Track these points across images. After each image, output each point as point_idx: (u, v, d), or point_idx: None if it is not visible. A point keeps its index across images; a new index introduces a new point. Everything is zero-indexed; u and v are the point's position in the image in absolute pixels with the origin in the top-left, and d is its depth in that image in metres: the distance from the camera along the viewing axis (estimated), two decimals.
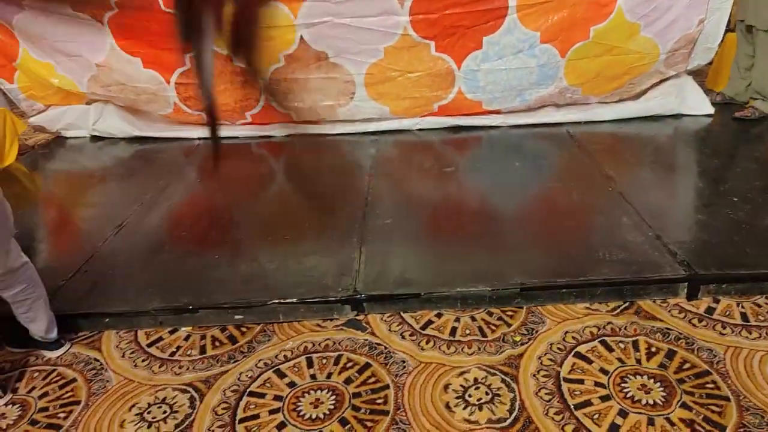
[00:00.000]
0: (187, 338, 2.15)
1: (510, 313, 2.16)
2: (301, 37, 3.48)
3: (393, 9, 3.39)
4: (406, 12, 3.41)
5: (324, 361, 1.99)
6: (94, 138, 4.03)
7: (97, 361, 2.07)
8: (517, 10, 3.41)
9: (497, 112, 3.77)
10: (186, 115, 3.86)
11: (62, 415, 1.84)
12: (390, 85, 3.65)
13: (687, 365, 1.86)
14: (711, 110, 3.77)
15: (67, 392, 1.94)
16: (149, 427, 1.77)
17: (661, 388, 1.78)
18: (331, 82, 3.65)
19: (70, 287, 2.34)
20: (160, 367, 2.02)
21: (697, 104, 3.79)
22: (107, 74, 3.66)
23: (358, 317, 2.19)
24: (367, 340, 2.07)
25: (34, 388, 1.97)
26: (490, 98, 3.70)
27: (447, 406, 1.77)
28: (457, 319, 2.14)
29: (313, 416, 1.77)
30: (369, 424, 1.73)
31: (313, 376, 1.92)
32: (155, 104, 3.81)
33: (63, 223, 3.08)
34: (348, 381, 1.89)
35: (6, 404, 1.90)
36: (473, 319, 2.14)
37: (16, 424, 1.82)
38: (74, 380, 1.99)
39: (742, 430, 1.62)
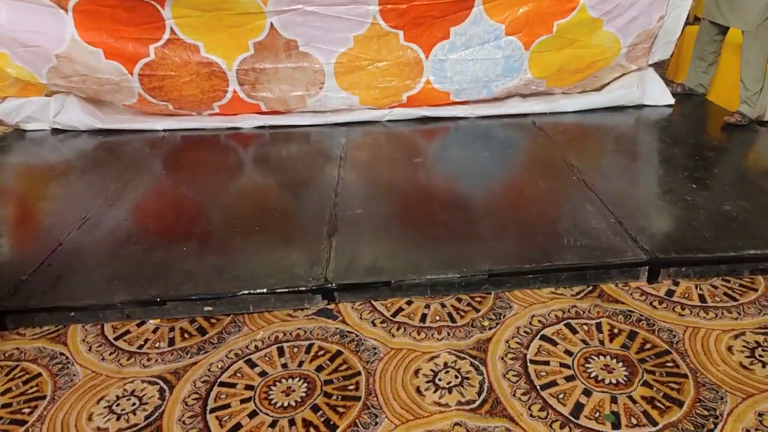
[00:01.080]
0: (155, 331, 2.13)
1: (479, 299, 2.20)
2: (271, 24, 3.46)
3: (364, 0, 3.40)
4: (376, 2, 3.42)
5: (295, 350, 2.00)
6: (56, 131, 3.92)
7: (63, 355, 2.03)
8: (483, 2, 3.46)
9: (464, 103, 3.81)
10: (151, 106, 3.79)
11: (27, 410, 1.81)
12: (359, 74, 3.66)
13: (648, 345, 1.93)
14: (671, 101, 3.89)
15: (31, 387, 1.90)
16: (118, 419, 1.75)
17: (624, 368, 1.84)
18: (300, 72, 3.64)
19: (34, 281, 2.28)
20: (128, 359, 1.99)
21: (658, 95, 3.90)
22: (68, 65, 3.56)
23: (329, 306, 2.20)
24: (338, 328, 2.09)
25: None
26: (458, 89, 3.75)
27: (417, 390, 1.80)
28: (427, 306, 2.17)
29: (285, 404, 1.78)
30: (341, 410, 1.74)
31: (284, 365, 1.93)
32: (119, 95, 3.73)
33: (24, 216, 3.00)
34: (319, 369, 1.91)
35: None
36: (443, 305, 2.17)
37: None
38: (39, 375, 1.95)
39: (698, 404, 1.70)
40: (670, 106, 3.87)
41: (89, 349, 2.05)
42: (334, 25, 3.49)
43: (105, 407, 1.80)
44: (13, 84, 3.72)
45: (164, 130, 3.82)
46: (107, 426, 1.73)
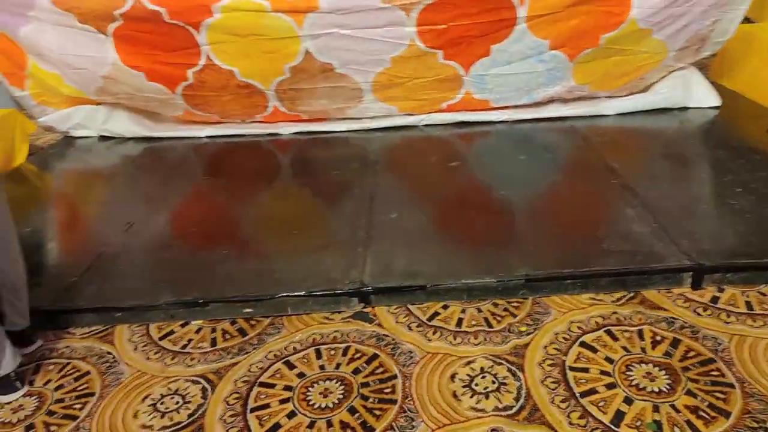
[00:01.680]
0: (198, 331, 2.19)
1: (515, 304, 2.18)
2: (306, 50, 3.44)
3: (399, 20, 3.34)
4: (413, 23, 3.35)
5: (332, 352, 2.02)
6: (103, 138, 4.07)
7: (110, 354, 2.11)
8: (526, 20, 3.36)
9: (503, 108, 3.78)
10: (197, 116, 3.89)
11: (78, 406, 1.89)
12: (398, 89, 3.65)
13: (692, 353, 1.88)
14: (717, 102, 3.76)
15: (82, 384, 1.98)
16: (162, 417, 1.81)
17: (666, 376, 1.80)
18: (338, 90, 3.66)
19: (83, 283, 2.38)
20: (172, 359, 2.06)
21: (704, 96, 3.77)
22: (114, 85, 3.70)
23: (365, 309, 2.22)
24: (374, 331, 2.10)
25: (50, 380, 2.01)
26: (498, 98, 3.71)
27: (454, 394, 1.80)
28: (463, 311, 2.17)
29: (323, 405, 1.80)
30: (377, 412, 1.76)
31: (321, 367, 1.96)
32: (166, 108, 3.86)
33: (73, 221, 3.12)
34: (356, 371, 1.93)
35: (23, 396, 1.94)
36: (479, 310, 2.16)
37: (34, 414, 1.87)
38: (88, 373, 2.03)
39: (746, 415, 1.64)
40: (715, 107, 3.76)
41: (135, 349, 2.12)
42: (370, 47, 3.45)
43: (150, 405, 1.86)
44: (67, 99, 3.91)
45: (207, 137, 3.92)
46: (152, 423, 1.79)
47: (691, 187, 2.84)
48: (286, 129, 3.89)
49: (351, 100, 3.73)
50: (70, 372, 2.04)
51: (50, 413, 1.87)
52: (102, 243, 2.67)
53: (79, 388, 1.96)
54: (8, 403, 1.92)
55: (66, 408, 1.88)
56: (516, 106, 3.77)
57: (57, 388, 1.97)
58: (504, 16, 3.36)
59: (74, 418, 1.84)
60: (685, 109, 3.75)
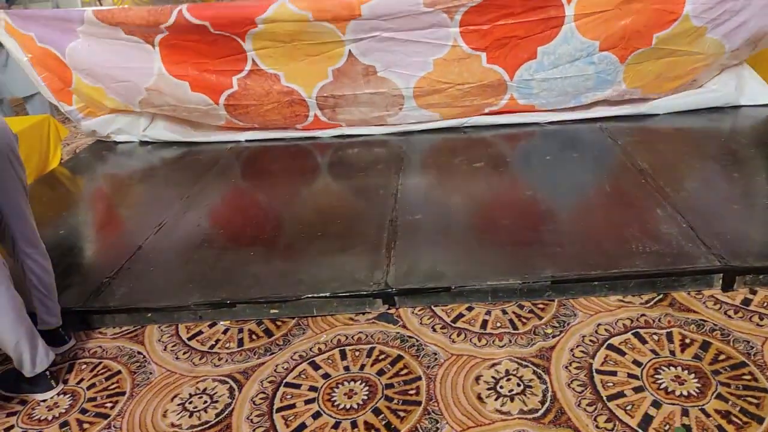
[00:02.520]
0: (225, 332, 2.23)
1: (541, 305, 2.16)
2: (350, 52, 3.47)
3: (443, 22, 3.34)
4: (456, 24, 3.34)
5: (357, 353, 2.03)
6: (143, 142, 4.17)
7: (140, 354, 2.16)
8: (574, 19, 3.29)
9: (545, 111, 3.71)
10: (238, 126, 3.95)
11: (109, 404, 1.94)
12: (439, 96, 3.62)
13: (722, 356, 1.84)
14: None
15: (113, 383, 2.03)
16: (191, 416, 1.84)
17: (696, 380, 1.76)
18: (379, 97, 3.66)
19: (114, 283, 2.44)
20: (200, 359, 2.10)
21: (758, 92, 3.62)
22: (157, 97, 3.79)
23: (389, 311, 2.23)
24: (398, 333, 2.11)
25: (82, 379, 2.07)
26: (544, 102, 3.66)
27: (479, 397, 1.79)
28: (488, 312, 2.16)
29: (347, 406, 1.81)
30: (402, 414, 1.76)
31: (346, 368, 1.97)
32: (208, 118, 3.93)
33: (106, 223, 3.20)
34: (380, 373, 1.93)
35: (58, 394, 2.00)
36: (504, 312, 2.15)
37: (67, 412, 1.92)
38: (119, 372, 2.08)
39: None
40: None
41: (164, 349, 2.17)
42: (413, 49, 3.44)
43: (178, 404, 1.90)
44: (112, 111, 4.05)
45: (247, 141, 3.96)
46: (180, 422, 1.83)
47: (722, 186, 2.77)
48: (326, 132, 3.90)
49: (392, 107, 3.71)
50: (102, 371, 2.09)
51: (83, 411, 1.92)
52: (134, 244, 2.73)
53: (110, 387, 2.01)
54: (44, 401, 1.98)
55: (98, 406, 1.93)
56: (561, 109, 3.70)
57: (89, 387, 2.02)
58: (551, 14, 3.29)
59: (106, 416, 1.89)
60: (737, 107, 3.62)
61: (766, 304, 2.06)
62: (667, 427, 1.62)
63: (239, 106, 3.74)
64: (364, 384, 1.89)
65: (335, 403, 1.83)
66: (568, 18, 3.30)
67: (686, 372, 1.80)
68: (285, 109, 3.74)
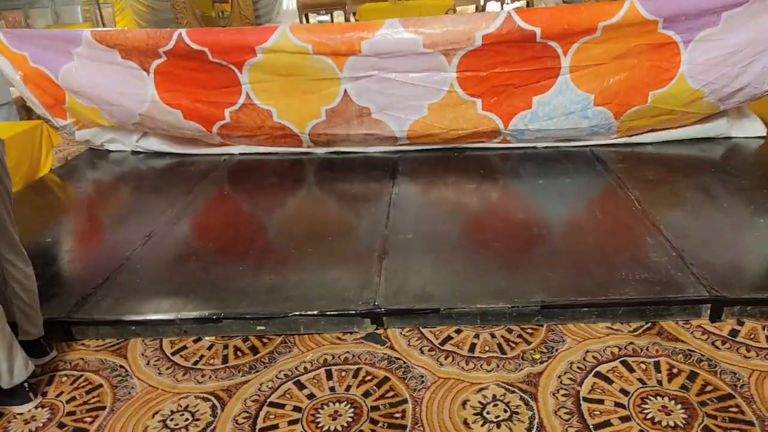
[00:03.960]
0: (210, 347, 2.19)
1: (530, 330, 2.15)
2: (345, 91, 3.47)
3: (440, 65, 3.35)
4: (454, 68, 3.35)
5: (343, 373, 2.01)
6: (135, 152, 4.14)
7: (123, 368, 2.12)
8: (570, 70, 3.33)
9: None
10: (233, 142, 3.94)
11: (89, 419, 1.89)
12: (432, 138, 3.64)
13: (709, 388, 1.84)
14: (763, 132, 3.64)
15: (93, 397, 1.99)
16: None
17: (683, 410, 1.76)
18: (372, 138, 3.67)
19: (100, 295, 2.40)
20: (183, 375, 2.06)
21: (750, 126, 3.66)
22: (150, 122, 3.80)
23: (377, 331, 2.21)
24: (386, 354, 2.09)
25: (62, 392, 2.02)
26: (537, 144, 3.70)
27: (465, 422, 1.77)
28: (477, 336, 2.14)
29: (332, 428, 1.79)
30: None
31: (332, 389, 1.95)
32: (203, 139, 3.92)
33: (93, 232, 3.16)
34: (366, 394, 1.91)
35: (36, 407, 1.96)
36: (493, 335, 2.14)
37: (45, 426, 1.88)
38: (100, 386, 2.04)
39: None
40: (760, 137, 3.63)
41: (147, 363, 2.13)
42: (409, 93, 3.43)
43: (159, 421, 1.86)
44: (106, 127, 4.05)
45: (241, 154, 3.95)
46: None
47: (712, 216, 2.79)
48: (319, 149, 3.88)
49: (384, 144, 3.73)
50: (83, 384, 2.05)
51: (61, 426, 1.88)
52: (121, 255, 2.70)
53: (90, 401, 1.97)
54: (21, 414, 1.93)
55: (77, 421, 1.89)
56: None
57: (69, 401, 1.98)
58: (547, 65, 3.32)
59: (84, 431, 1.84)
60: (728, 138, 3.65)
61: (753, 335, 2.06)
62: None
63: (232, 135, 3.77)
64: (349, 405, 1.87)
65: (319, 425, 1.80)
66: (564, 69, 3.33)
67: (673, 402, 1.79)
68: (279, 139, 3.76)
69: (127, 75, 3.59)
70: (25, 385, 1.94)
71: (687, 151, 3.56)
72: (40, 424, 1.89)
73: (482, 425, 1.75)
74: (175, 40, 3.40)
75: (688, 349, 2.01)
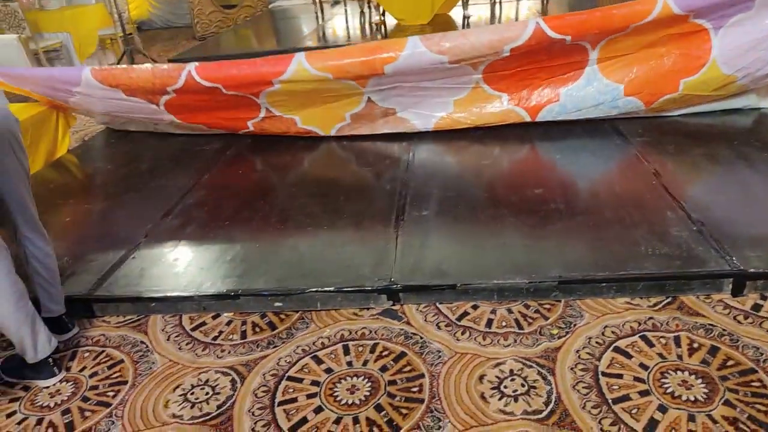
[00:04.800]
0: (228, 323, 2.22)
1: (547, 306, 2.14)
2: (369, 98, 3.43)
3: (466, 72, 3.30)
4: (480, 72, 3.32)
5: (360, 348, 2.02)
6: (152, 133, 4.14)
7: (144, 343, 2.15)
8: (598, 61, 3.26)
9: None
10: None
11: (111, 393, 1.93)
12: (458, 131, 3.57)
13: (731, 362, 1.82)
14: None
15: (115, 372, 2.03)
16: (192, 407, 1.84)
17: (703, 385, 1.74)
18: (396, 134, 3.61)
19: (120, 272, 2.43)
20: (203, 350, 2.09)
21: None
22: (173, 129, 3.85)
23: (393, 307, 2.21)
24: (402, 329, 2.09)
25: (85, 367, 2.07)
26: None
27: (482, 396, 1.77)
28: (494, 311, 2.14)
29: (350, 402, 1.80)
30: (404, 411, 1.75)
31: (349, 363, 1.96)
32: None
33: (112, 210, 3.19)
34: (383, 369, 1.92)
35: (60, 381, 2.00)
36: (510, 311, 2.13)
37: (69, 399, 1.92)
38: (122, 361, 2.08)
39: None
40: None
41: (168, 339, 2.16)
42: (434, 93, 3.40)
43: (180, 395, 1.89)
44: None
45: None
46: (182, 413, 1.82)
47: (735, 189, 2.73)
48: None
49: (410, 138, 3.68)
50: (105, 360, 2.09)
51: (85, 399, 1.92)
52: (140, 233, 2.72)
53: (112, 376, 2.01)
54: (46, 388, 1.97)
55: (100, 395, 1.93)
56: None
57: (92, 375, 2.02)
58: (575, 58, 3.25)
59: (107, 405, 1.88)
60: (755, 109, 3.54)
61: None
62: (672, 431, 1.60)
63: (258, 137, 3.77)
64: (366, 380, 1.88)
65: (337, 398, 1.82)
66: (591, 61, 3.25)
67: (693, 377, 1.77)
68: (305, 138, 3.74)
69: (138, 105, 3.56)
70: (50, 360, 1.98)
71: (711, 121, 3.46)
72: (65, 398, 1.93)
73: (499, 399, 1.75)
74: (184, 78, 3.29)
75: (709, 324, 1.99)
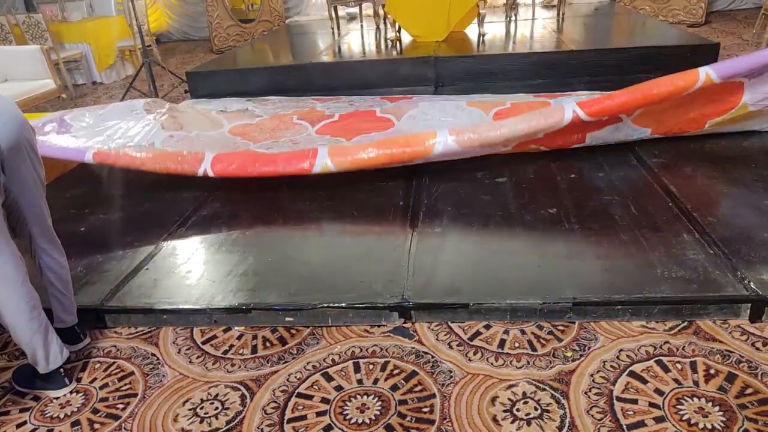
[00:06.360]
0: (239, 337, 2.21)
1: (561, 327, 2.12)
2: None
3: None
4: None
5: (371, 366, 2.00)
6: None
7: (155, 356, 2.15)
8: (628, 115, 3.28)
9: None
10: None
11: (121, 405, 1.93)
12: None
13: (749, 390, 1.78)
14: None
15: (125, 384, 2.02)
16: (201, 422, 1.83)
17: (721, 413, 1.70)
18: None
19: (133, 283, 2.44)
20: (213, 364, 2.08)
21: None
22: None
23: (405, 325, 2.20)
24: (413, 348, 2.08)
25: (95, 378, 2.06)
26: None
27: (494, 419, 1.75)
28: (506, 332, 2.11)
29: (359, 421, 1.78)
30: (414, 431, 1.73)
31: (359, 381, 1.94)
32: None
33: (127, 221, 3.20)
34: (394, 388, 1.90)
35: (71, 392, 2.00)
36: (523, 332, 2.11)
37: (79, 411, 1.92)
38: (132, 373, 2.07)
39: None
40: None
41: (178, 352, 2.16)
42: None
43: (189, 409, 1.88)
44: None
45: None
46: (191, 428, 1.81)
47: (754, 213, 2.70)
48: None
49: None
50: (115, 371, 2.09)
51: (95, 411, 1.91)
52: (154, 244, 2.74)
53: (122, 388, 2.01)
54: (57, 398, 1.97)
55: (110, 407, 1.93)
56: None
57: (102, 387, 2.02)
58: (608, 123, 3.26)
59: (117, 417, 1.88)
60: None
61: None
62: None
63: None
64: (377, 399, 1.86)
65: (347, 417, 1.80)
66: (624, 119, 3.29)
67: (710, 404, 1.74)
68: None
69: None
70: (61, 370, 1.98)
71: (728, 143, 3.44)
72: (75, 409, 1.93)
73: (512, 422, 1.73)
74: (201, 174, 3.12)
75: (727, 350, 1.95)
